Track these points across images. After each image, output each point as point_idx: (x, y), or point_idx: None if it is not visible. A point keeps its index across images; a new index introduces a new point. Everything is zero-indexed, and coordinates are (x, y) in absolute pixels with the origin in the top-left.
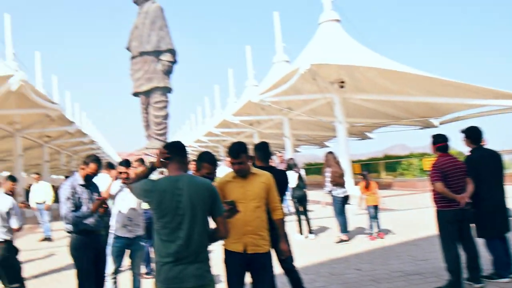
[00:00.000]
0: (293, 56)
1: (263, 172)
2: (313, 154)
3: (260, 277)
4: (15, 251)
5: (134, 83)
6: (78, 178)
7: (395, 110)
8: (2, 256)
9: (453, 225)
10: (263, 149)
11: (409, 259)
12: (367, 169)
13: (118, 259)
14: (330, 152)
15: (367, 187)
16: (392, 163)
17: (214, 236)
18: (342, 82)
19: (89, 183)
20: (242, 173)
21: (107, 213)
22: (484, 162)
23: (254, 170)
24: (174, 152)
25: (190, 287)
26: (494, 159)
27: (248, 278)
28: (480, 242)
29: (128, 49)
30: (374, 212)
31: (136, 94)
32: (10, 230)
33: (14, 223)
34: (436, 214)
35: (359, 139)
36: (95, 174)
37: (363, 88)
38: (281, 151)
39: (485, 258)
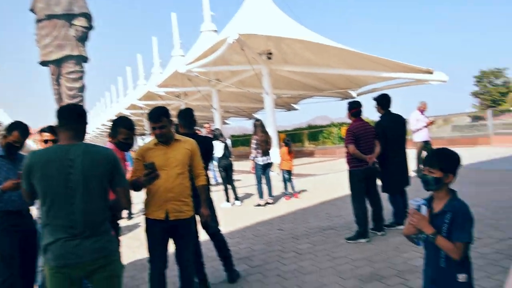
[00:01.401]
0: (221, 25)
1: (186, 139)
2: (241, 126)
3: (183, 243)
4: None
5: (41, 50)
6: None
7: (318, 82)
8: None
9: (362, 182)
10: (187, 116)
11: (326, 217)
12: (291, 138)
13: None
14: (258, 120)
15: (290, 153)
16: (315, 133)
17: (115, 208)
18: (270, 53)
19: (11, 155)
20: (164, 138)
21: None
22: (391, 126)
23: (177, 136)
24: (65, 117)
25: (89, 261)
26: (399, 123)
27: (171, 246)
28: (383, 196)
29: (32, 10)
30: (288, 175)
31: (44, 63)
32: None
33: None
34: (349, 173)
35: (285, 111)
36: (19, 143)
37: (289, 60)
38: (209, 122)
39: (387, 210)
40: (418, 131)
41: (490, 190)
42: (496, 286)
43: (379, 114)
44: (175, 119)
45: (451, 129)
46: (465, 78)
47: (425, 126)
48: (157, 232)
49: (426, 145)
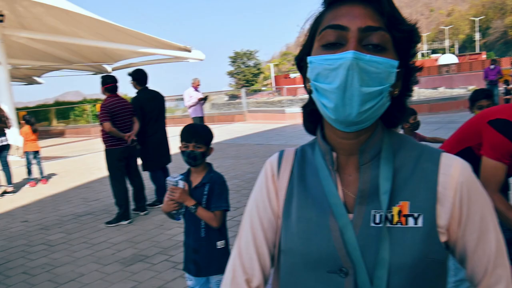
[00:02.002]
0: None
1: None
2: None
3: None
4: None
5: None
6: None
7: (67, 53)
8: None
9: (121, 162)
10: None
11: (81, 202)
12: (35, 116)
13: None
14: None
15: (34, 132)
16: (65, 110)
17: None
18: (2, 15)
19: None
20: None
21: None
22: (149, 102)
23: None
24: None
25: None
26: (157, 100)
27: None
28: (145, 175)
29: None
30: (35, 158)
31: None
32: None
33: None
34: (105, 153)
35: (25, 84)
36: None
37: (28, 25)
38: None
39: (150, 189)
40: (192, 107)
41: (245, 162)
42: None
43: (136, 90)
44: None
45: (210, 106)
46: (223, 58)
47: (198, 102)
48: None
49: (201, 121)
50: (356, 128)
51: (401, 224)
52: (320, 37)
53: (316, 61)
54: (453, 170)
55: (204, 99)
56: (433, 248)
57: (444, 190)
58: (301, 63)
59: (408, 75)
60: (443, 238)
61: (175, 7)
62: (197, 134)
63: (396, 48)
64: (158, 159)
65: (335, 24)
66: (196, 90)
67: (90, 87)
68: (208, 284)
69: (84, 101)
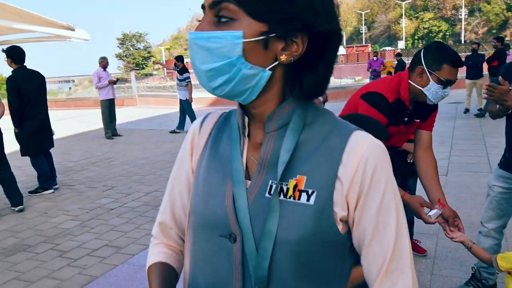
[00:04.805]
0: None
1: None
2: None
3: None
4: None
5: None
6: None
7: None
8: None
9: None
10: None
11: None
12: None
13: None
14: None
15: None
16: None
17: None
18: None
19: None
20: None
21: None
22: (27, 82)
23: None
24: None
25: None
26: (37, 80)
27: None
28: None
29: None
30: None
31: None
32: None
33: None
34: None
35: None
36: None
37: None
38: None
39: (32, 175)
40: (102, 89)
41: (136, 148)
42: (145, 235)
43: (12, 69)
44: None
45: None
46: (110, 39)
47: (109, 84)
48: None
49: (110, 104)
50: (240, 99)
51: (294, 199)
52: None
53: None
54: (359, 147)
55: (115, 82)
56: (323, 228)
57: (345, 168)
58: None
59: (317, 40)
60: (339, 220)
61: None
62: None
63: (254, 14)
64: (41, 143)
65: (202, 4)
66: (105, 70)
67: None
68: None
69: None
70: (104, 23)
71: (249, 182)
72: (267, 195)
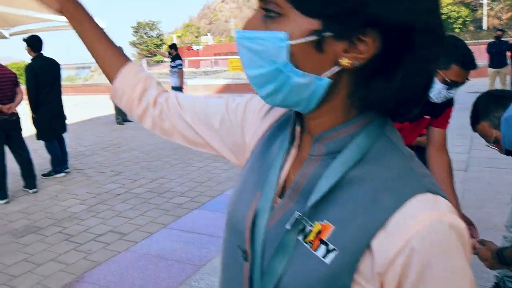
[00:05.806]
0: None
1: None
2: None
3: None
4: None
5: None
6: None
7: None
8: None
9: None
10: None
11: None
12: None
13: None
14: None
15: None
16: None
17: None
18: None
19: None
20: None
21: None
22: (44, 70)
23: None
24: None
25: None
26: (53, 67)
27: None
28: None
29: None
30: None
31: None
32: None
33: None
34: None
35: None
36: None
37: None
38: None
39: (45, 158)
40: None
41: (145, 134)
42: (148, 222)
43: (31, 57)
44: None
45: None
46: (126, 28)
47: None
48: None
49: None
50: (298, 110)
51: (311, 247)
52: None
53: None
54: (410, 225)
55: None
56: None
57: (384, 240)
58: None
59: (395, 44)
60: None
61: None
62: None
63: (303, 8)
64: (53, 129)
65: None
66: None
67: None
68: None
69: None
70: (120, 12)
71: (279, 200)
72: (287, 226)
